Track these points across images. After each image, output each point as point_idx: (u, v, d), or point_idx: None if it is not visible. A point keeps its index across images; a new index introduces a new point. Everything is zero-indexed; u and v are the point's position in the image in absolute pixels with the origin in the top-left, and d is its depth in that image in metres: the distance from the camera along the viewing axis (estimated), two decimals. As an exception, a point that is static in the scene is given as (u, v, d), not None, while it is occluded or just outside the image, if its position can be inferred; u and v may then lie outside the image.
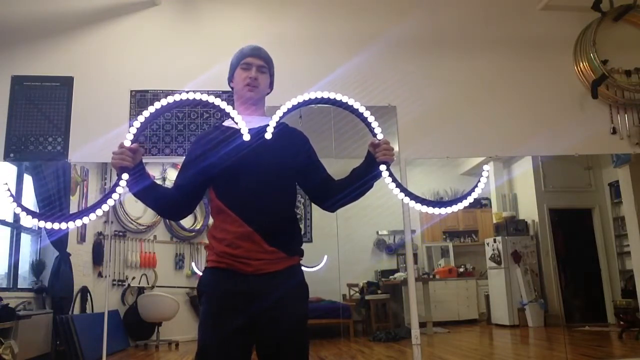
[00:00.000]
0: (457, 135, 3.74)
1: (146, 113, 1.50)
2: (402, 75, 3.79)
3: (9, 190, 1.46)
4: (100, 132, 3.43)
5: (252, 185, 1.50)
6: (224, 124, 1.65)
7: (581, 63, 3.87)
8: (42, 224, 1.46)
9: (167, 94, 3.57)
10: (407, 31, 3.87)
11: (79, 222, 1.46)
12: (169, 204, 1.58)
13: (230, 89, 1.71)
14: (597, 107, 3.86)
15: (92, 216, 1.46)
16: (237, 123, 1.47)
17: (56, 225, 1.46)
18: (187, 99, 1.50)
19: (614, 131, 3.83)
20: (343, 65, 3.71)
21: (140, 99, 3.63)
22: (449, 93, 3.81)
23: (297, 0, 3.94)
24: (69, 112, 3.56)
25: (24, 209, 1.48)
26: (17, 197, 1.48)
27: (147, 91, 3.64)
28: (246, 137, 1.45)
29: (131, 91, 3.64)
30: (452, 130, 3.74)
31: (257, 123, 1.57)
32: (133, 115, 3.58)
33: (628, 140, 3.82)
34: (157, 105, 1.49)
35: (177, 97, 1.50)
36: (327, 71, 3.69)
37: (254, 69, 1.63)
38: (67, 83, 3.60)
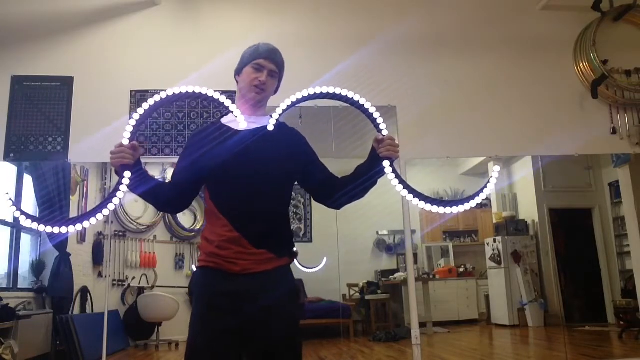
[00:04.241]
0: (457, 135, 3.74)
1: (140, 110, 1.49)
2: (402, 75, 3.79)
3: (10, 200, 1.44)
4: (100, 132, 3.43)
5: (245, 189, 1.48)
6: (221, 120, 1.62)
7: (581, 63, 3.87)
8: (49, 229, 1.44)
9: (167, 94, 3.61)
10: (407, 31, 3.87)
11: (86, 224, 1.44)
12: (167, 200, 1.58)
13: (235, 81, 1.67)
14: (597, 107, 3.86)
15: (99, 216, 1.45)
16: (236, 117, 1.45)
17: (64, 229, 1.43)
18: (181, 93, 1.49)
19: (614, 131, 3.82)
20: (343, 65, 3.71)
21: (140, 99, 3.63)
22: (449, 93, 3.81)
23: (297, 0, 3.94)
24: (69, 112, 3.56)
25: (28, 215, 1.46)
26: (18, 197, 1.47)
27: (147, 91, 3.64)
28: (242, 124, 1.45)
29: (131, 91, 3.63)
30: (452, 130, 3.73)
31: (255, 121, 1.56)
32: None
33: (628, 140, 3.82)
34: (151, 101, 1.49)
35: (175, 90, 1.49)
36: (327, 71, 3.68)
37: (266, 72, 1.58)
38: (67, 83, 3.60)
